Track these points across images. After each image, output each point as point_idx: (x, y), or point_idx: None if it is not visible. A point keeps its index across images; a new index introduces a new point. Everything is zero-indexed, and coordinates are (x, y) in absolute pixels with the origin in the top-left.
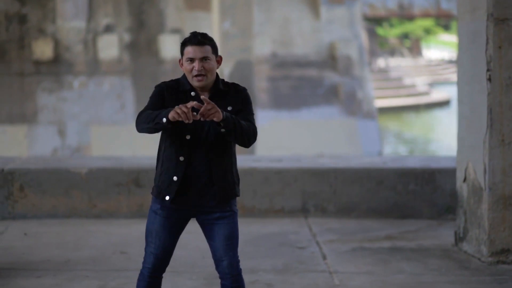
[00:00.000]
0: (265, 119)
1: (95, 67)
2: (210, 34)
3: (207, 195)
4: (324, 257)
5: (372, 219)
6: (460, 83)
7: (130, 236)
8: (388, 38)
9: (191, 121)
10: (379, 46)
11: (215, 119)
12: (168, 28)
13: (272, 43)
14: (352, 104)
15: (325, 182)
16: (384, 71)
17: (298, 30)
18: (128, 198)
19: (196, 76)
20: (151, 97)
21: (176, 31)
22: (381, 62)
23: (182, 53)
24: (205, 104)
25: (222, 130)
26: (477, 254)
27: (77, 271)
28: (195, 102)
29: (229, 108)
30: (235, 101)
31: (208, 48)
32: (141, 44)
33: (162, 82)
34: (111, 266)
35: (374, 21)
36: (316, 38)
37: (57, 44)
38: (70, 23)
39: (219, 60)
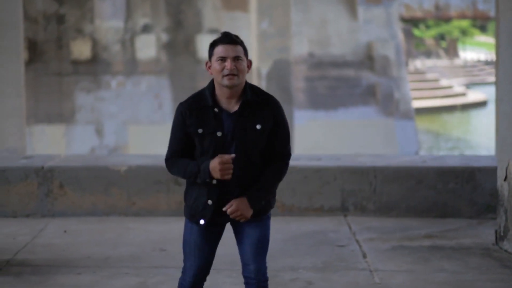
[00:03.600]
0: (302, 119)
1: (133, 67)
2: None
3: None
4: (364, 255)
5: (411, 217)
6: (499, 82)
7: (170, 233)
8: (424, 39)
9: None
10: (415, 47)
11: (242, 220)
12: (205, 28)
13: (309, 43)
14: (390, 105)
15: (364, 180)
16: (420, 72)
17: (335, 30)
18: (167, 196)
19: (227, 75)
20: (172, 128)
21: (213, 31)
22: (417, 63)
23: (211, 54)
24: (229, 210)
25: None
26: None
27: (117, 268)
28: (233, 155)
29: (258, 127)
30: (265, 118)
31: (240, 48)
32: (179, 44)
33: (180, 104)
34: (151, 263)
35: (410, 22)
36: (353, 38)
37: (95, 44)
38: (108, 23)
39: (249, 65)
